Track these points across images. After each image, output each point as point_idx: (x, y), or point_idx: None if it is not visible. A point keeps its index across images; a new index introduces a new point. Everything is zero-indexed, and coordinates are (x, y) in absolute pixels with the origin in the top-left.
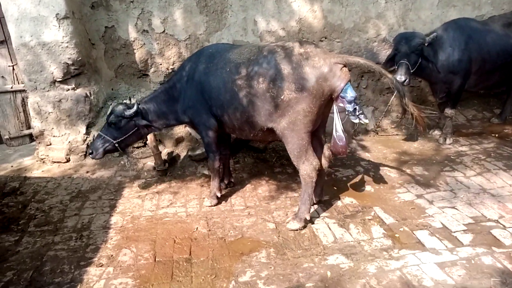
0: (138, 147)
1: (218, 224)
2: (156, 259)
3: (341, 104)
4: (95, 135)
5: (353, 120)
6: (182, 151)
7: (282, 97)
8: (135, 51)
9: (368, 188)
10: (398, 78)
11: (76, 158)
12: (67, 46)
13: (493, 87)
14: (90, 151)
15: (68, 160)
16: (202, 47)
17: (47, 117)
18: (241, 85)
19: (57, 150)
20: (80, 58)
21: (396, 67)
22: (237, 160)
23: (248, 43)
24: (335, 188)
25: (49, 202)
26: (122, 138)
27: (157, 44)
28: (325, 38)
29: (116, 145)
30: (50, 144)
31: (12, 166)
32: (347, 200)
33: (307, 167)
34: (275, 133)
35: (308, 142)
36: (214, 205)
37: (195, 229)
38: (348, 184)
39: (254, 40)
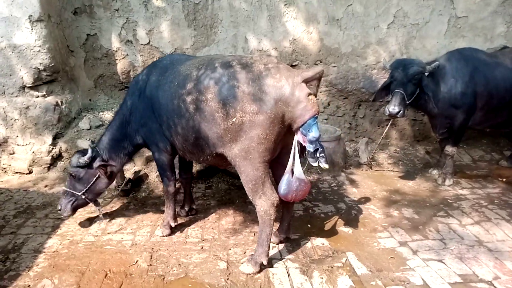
0: None
1: (163, 258)
2: None
3: (301, 141)
4: (62, 191)
5: (311, 163)
6: (151, 171)
7: (233, 120)
8: (117, 61)
9: (345, 229)
10: (391, 109)
11: (39, 170)
12: (39, 50)
13: (501, 126)
14: (59, 208)
15: (30, 172)
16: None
17: (12, 124)
18: (187, 101)
19: (20, 160)
20: (53, 64)
21: (390, 97)
22: (209, 185)
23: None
24: (309, 225)
25: None
26: (86, 189)
27: (141, 56)
28: (320, 62)
29: (83, 197)
30: (13, 153)
31: None
32: (318, 242)
33: (264, 203)
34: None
35: (265, 173)
36: (166, 236)
37: (135, 262)
38: (325, 223)
39: None
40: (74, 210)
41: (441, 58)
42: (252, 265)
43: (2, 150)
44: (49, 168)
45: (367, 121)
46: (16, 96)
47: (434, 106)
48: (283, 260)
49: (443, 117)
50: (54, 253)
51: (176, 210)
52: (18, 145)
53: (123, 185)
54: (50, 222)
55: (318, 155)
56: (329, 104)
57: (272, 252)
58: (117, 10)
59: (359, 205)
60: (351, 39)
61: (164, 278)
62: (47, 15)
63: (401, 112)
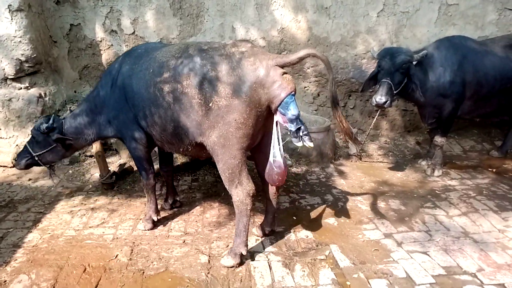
0: (91, 156)
1: (144, 252)
2: None
3: (281, 121)
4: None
5: (295, 143)
6: None
7: (210, 105)
8: (102, 52)
9: (331, 221)
10: (377, 99)
11: None
12: (20, 41)
13: (490, 115)
14: (15, 158)
15: (14, 165)
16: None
17: None
18: (163, 89)
19: (4, 153)
20: (35, 55)
21: (378, 86)
22: (196, 178)
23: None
24: (294, 218)
25: None
26: (41, 153)
27: (126, 46)
28: None
29: (36, 158)
30: None
31: None
32: (302, 234)
33: (240, 193)
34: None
35: (242, 162)
36: (149, 229)
37: (115, 257)
38: (310, 215)
39: None
40: (27, 166)
41: (429, 47)
42: (232, 257)
43: None
44: None
45: (357, 111)
46: None
47: (421, 95)
48: (266, 253)
49: (431, 106)
50: (33, 248)
51: (160, 203)
52: (1, 138)
53: (105, 178)
54: (32, 216)
55: (301, 133)
56: (318, 95)
57: (255, 245)
58: None
59: (346, 197)
60: (340, 28)
61: (143, 272)
62: (27, 4)
63: (388, 102)
